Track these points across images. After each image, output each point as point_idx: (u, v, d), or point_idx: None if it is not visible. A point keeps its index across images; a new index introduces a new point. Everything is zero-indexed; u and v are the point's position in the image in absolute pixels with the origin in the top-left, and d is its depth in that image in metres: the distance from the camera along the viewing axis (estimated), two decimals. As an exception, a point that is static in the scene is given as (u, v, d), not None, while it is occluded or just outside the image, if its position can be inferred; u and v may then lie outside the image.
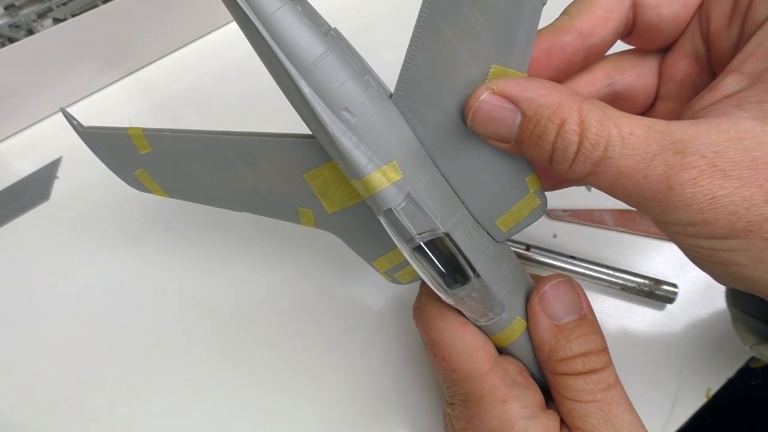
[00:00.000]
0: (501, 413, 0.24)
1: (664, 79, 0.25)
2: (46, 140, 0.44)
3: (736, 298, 0.27)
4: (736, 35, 0.21)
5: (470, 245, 0.24)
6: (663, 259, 0.37)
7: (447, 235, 0.23)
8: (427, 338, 0.26)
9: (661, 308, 0.35)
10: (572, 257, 0.36)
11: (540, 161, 0.21)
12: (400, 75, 0.22)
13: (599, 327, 0.25)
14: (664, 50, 0.25)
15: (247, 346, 0.36)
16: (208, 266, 0.38)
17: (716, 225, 0.18)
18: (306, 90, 0.21)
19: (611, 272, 0.35)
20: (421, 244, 0.22)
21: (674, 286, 0.35)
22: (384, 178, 0.22)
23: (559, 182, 0.27)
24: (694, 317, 0.35)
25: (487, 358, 0.25)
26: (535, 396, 0.25)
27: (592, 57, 0.24)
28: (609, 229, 0.38)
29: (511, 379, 0.25)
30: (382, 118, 0.22)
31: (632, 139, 0.18)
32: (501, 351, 0.26)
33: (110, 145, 0.29)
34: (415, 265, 0.23)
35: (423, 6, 0.21)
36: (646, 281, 0.35)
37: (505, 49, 0.22)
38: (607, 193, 0.20)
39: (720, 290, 0.35)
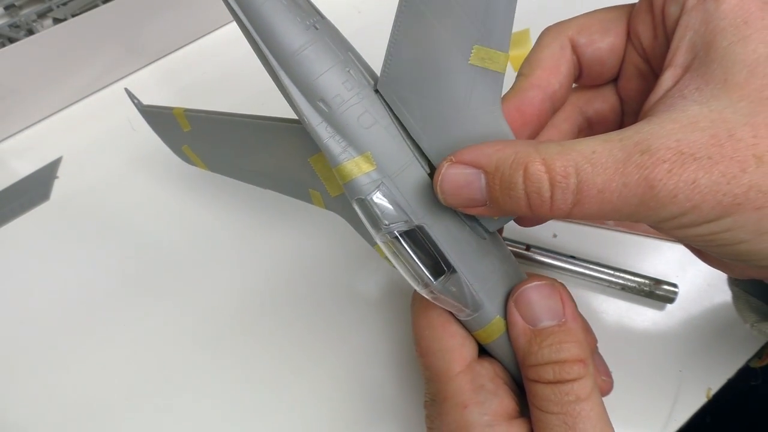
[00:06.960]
0: (459, 417, 0.24)
1: (623, 99, 0.27)
2: (46, 140, 0.44)
3: None
4: (664, 41, 0.22)
5: (447, 239, 0.24)
6: (663, 259, 0.37)
7: (420, 227, 0.23)
8: (413, 333, 0.27)
9: (661, 308, 0.35)
10: (572, 257, 0.36)
11: (520, 212, 0.21)
12: (384, 62, 0.23)
13: (582, 336, 0.24)
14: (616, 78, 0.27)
15: (243, 345, 0.36)
16: (205, 266, 0.38)
17: (705, 207, 0.18)
18: (285, 80, 0.22)
19: (611, 272, 0.35)
20: (396, 234, 0.23)
21: (674, 285, 0.35)
22: (356, 168, 0.23)
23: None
24: (694, 317, 0.35)
25: (461, 361, 0.24)
26: (502, 404, 0.24)
27: (558, 101, 0.26)
28: (609, 229, 0.38)
29: (479, 384, 0.24)
30: (361, 109, 0.23)
31: (596, 155, 0.19)
32: (485, 349, 0.26)
33: (161, 122, 0.32)
34: (389, 254, 0.23)
35: None
36: (646, 281, 0.35)
37: (486, 29, 0.22)
38: (600, 218, 0.20)
39: (720, 289, 0.35)
